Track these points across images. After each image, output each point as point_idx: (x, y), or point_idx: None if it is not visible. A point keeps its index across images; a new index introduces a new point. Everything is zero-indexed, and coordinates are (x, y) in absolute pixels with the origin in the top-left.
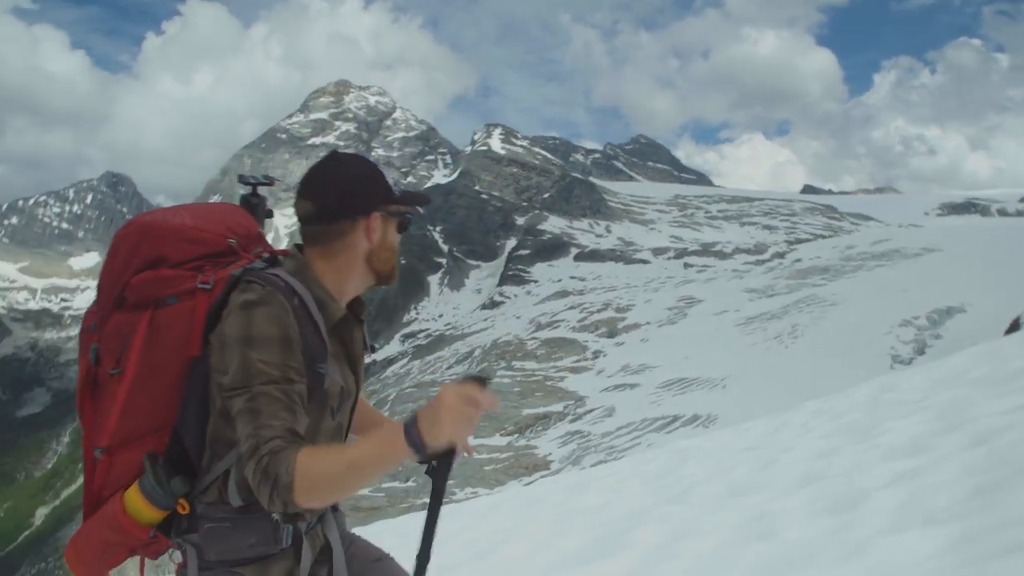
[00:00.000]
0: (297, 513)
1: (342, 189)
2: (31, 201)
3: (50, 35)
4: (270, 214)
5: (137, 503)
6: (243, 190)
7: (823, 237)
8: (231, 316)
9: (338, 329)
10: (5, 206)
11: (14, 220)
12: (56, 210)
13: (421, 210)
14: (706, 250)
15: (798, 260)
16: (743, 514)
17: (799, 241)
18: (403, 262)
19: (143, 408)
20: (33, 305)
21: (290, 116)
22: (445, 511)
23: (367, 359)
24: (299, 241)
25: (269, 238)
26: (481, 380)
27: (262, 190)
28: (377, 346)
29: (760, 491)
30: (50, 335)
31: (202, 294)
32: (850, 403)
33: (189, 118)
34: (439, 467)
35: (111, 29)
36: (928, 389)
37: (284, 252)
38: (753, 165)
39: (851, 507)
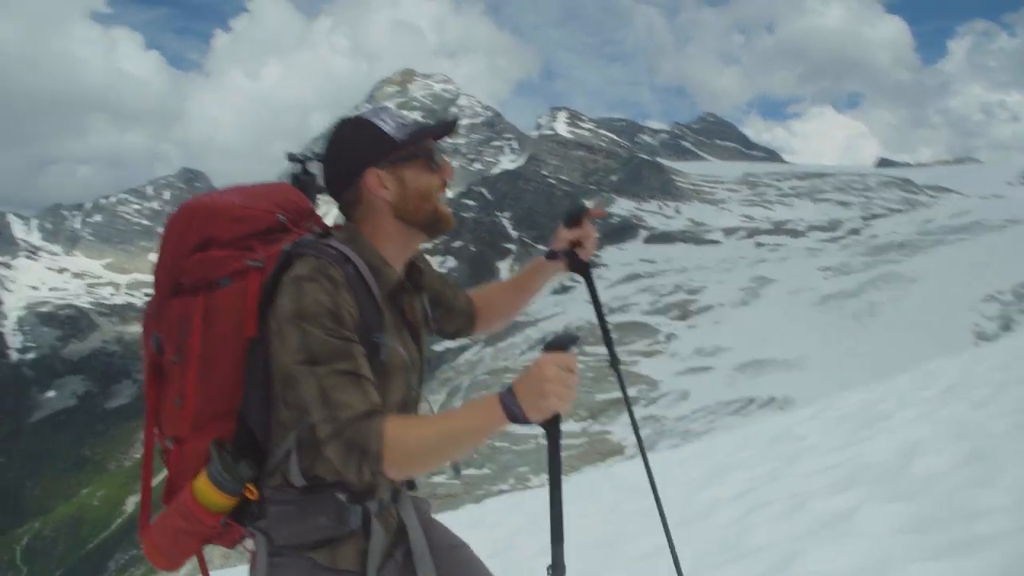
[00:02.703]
0: (367, 491)
1: (333, 160)
2: (112, 199)
3: (126, 36)
4: (322, 190)
5: (206, 491)
6: (293, 168)
7: (900, 211)
8: (283, 292)
9: (395, 297)
10: (89, 205)
11: (98, 218)
12: (136, 207)
13: (446, 140)
14: (778, 228)
15: (874, 236)
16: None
17: (875, 216)
18: (472, 249)
19: (206, 394)
20: (118, 300)
21: (357, 107)
22: None
23: (439, 344)
24: None
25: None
26: (571, 341)
27: (312, 167)
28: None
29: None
30: (134, 328)
31: (254, 272)
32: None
33: (259, 112)
34: (550, 435)
35: (182, 28)
36: (777, 440)
37: (337, 227)
38: (824, 139)
39: None
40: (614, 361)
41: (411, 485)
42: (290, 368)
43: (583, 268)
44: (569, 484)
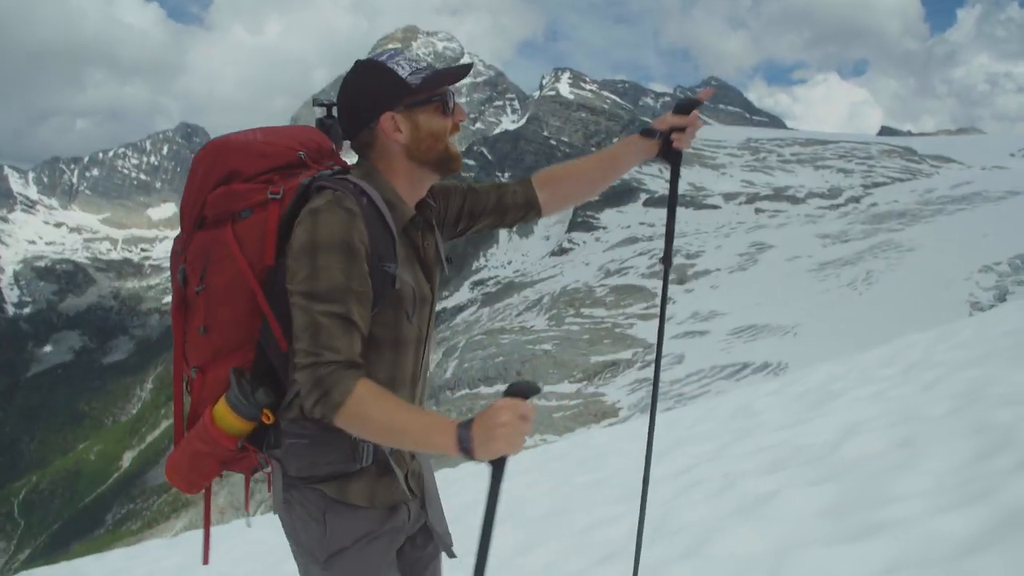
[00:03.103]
0: None
1: (348, 104)
2: (111, 153)
3: None
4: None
5: (224, 414)
6: (318, 112)
7: (901, 180)
8: (300, 224)
9: (408, 232)
10: (87, 159)
11: (95, 172)
12: (134, 162)
13: (456, 86)
14: (778, 195)
15: (874, 204)
16: None
17: (875, 185)
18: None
19: (227, 323)
20: (115, 255)
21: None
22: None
23: (443, 295)
24: None
25: None
26: (532, 391)
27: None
28: (451, 258)
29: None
30: (131, 284)
31: (273, 204)
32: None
33: (260, 67)
34: (494, 473)
35: None
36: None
37: (353, 166)
38: (828, 106)
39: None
40: (666, 258)
41: None
42: (294, 298)
43: (675, 156)
44: (535, 452)
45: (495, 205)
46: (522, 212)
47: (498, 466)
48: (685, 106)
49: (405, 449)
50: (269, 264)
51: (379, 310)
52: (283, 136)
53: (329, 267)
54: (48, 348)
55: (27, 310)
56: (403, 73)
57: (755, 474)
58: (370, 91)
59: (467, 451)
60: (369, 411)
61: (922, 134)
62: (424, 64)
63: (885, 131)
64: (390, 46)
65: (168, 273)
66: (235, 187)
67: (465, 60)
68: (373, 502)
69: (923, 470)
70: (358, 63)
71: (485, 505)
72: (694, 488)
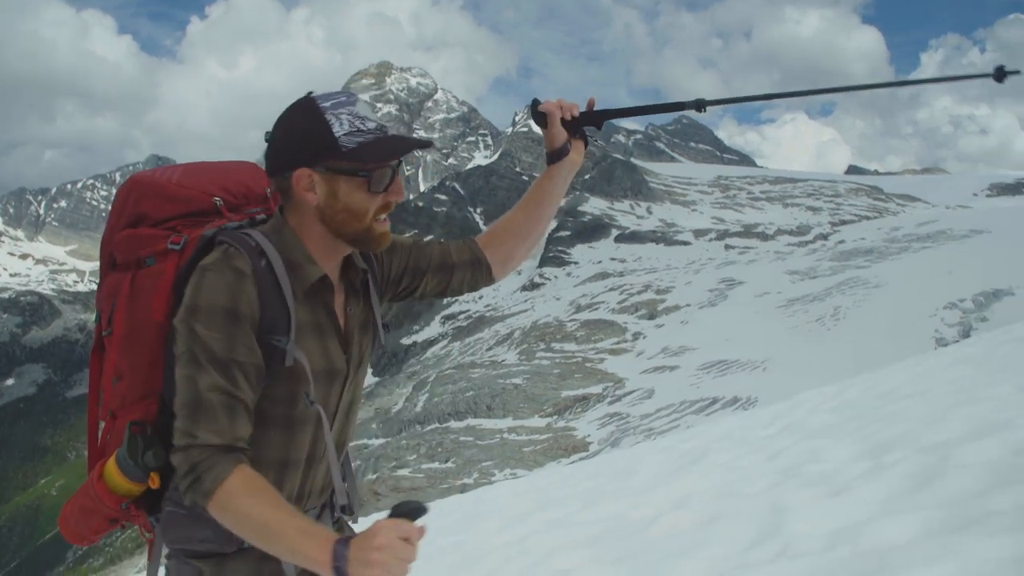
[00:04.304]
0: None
1: (277, 142)
2: (79, 185)
3: (98, 20)
4: None
5: (112, 472)
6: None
7: (868, 218)
8: (190, 282)
9: (321, 295)
10: (55, 190)
11: (63, 204)
12: (103, 193)
13: (405, 163)
14: (748, 231)
15: (841, 242)
16: None
17: (843, 222)
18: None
19: (129, 372)
20: (81, 287)
21: None
22: None
23: (406, 338)
24: None
25: None
26: (418, 511)
27: None
28: (388, 325)
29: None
30: None
31: (172, 255)
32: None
33: (232, 101)
34: None
35: (157, 13)
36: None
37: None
38: (797, 145)
39: None
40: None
41: (344, 509)
42: (177, 366)
43: (581, 126)
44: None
45: (440, 262)
46: (469, 271)
47: None
48: (541, 119)
49: (275, 554)
50: (157, 320)
51: (269, 385)
52: (203, 179)
53: (209, 336)
54: (10, 381)
55: None
56: (338, 130)
57: (574, 547)
58: (295, 136)
59: (340, 572)
60: (239, 506)
61: (888, 173)
62: (372, 126)
63: (852, 170)
64: (364, 80)
65: None
66: (140, 232)
67: (438, 96)
68: None
69: (706, 555)
70: (303, 99)
71: None
72: (518, 559)
